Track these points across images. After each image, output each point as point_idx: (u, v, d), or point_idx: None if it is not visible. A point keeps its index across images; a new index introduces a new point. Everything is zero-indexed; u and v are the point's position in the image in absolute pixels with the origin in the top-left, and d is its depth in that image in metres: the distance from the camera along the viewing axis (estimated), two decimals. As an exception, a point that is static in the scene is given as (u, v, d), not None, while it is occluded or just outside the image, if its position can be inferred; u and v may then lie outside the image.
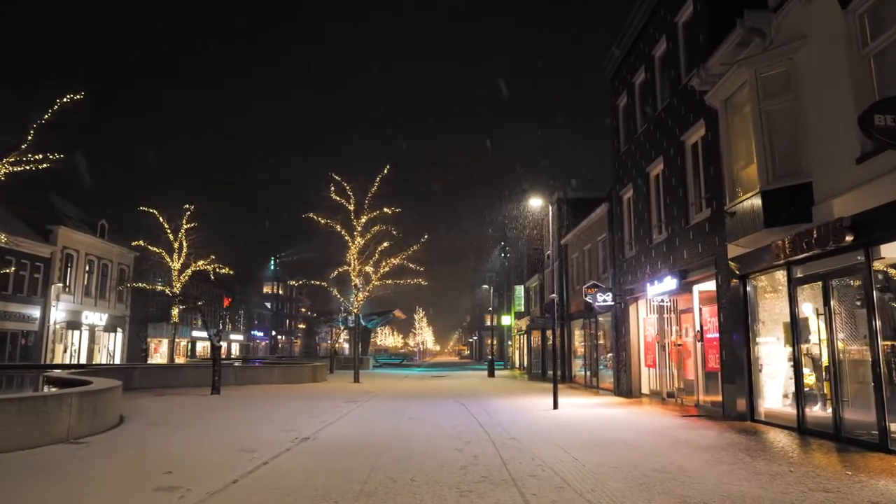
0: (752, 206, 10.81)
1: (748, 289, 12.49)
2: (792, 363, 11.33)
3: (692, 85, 14.00)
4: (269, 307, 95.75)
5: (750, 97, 10.96)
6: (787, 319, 11.25)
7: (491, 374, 35.64)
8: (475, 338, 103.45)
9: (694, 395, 16.02)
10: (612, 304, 21.30)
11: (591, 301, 22.05)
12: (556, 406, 15.72)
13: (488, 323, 59.19)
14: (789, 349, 11.37)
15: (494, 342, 50.78)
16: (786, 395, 12.05)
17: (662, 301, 18.43)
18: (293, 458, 8.71)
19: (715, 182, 13.78)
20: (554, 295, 16.64)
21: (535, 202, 17.79)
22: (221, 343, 21.42)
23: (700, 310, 15.45)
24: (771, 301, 12.27)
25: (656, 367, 18.69)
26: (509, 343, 58.96)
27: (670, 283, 16.25)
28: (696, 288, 15.57)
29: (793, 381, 11.78)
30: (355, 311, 30.91)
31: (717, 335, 14.19)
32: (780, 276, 11.56)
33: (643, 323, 19.85)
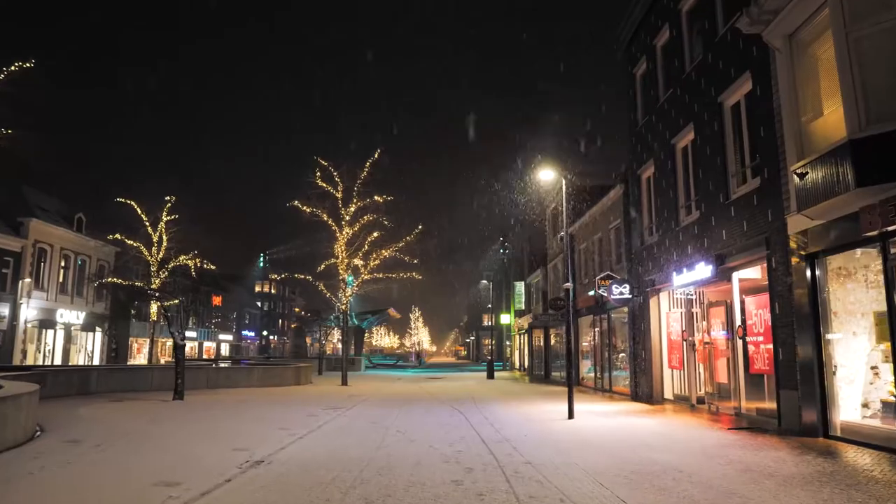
0: (836, 162, 8.38)
1: (818, 272, 10.01)
2: (882, 365, 8.94)
3: (737, 27, 11.55)
4: (261, 306, 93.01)
5: (831, 23, 8.52)
6: (876, 308, 8.83)
7: (490, 376, 33.55)
8: (472, 338, 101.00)
9: (731, 402, 13.68)
10: (630, 296, 18.86)
11: (605, 294, 19.64)
12: (571, 415, 13.29)
13: (486, 322, 56.83)
14: (880, 347, 8.95)
15: (493, 342, 48.41)
16: (866, 405, 9.62)
17: (689, 293, 16.05)
18: (227, 495, 6.28)
19: (766, 145, 11.37)
20: (568, 284, 14.18)
21: (546, 175, 15.29)
22: (186, 342, 19.00)
23: (742, 301, 13.03)
24: (849, 287, 9.83)
25: (683, 368, 16.30)
26: (508, 343, 56.50)
27: (703, 270, 13.84)
28: (736, 275, 13.18)
29: (874, 386, 9.43)
30: (343, 307, 28.60)
31: (764, 330, 11.80)
32: (862, 253, 9.17)
33: (666, 318, 17.44)
